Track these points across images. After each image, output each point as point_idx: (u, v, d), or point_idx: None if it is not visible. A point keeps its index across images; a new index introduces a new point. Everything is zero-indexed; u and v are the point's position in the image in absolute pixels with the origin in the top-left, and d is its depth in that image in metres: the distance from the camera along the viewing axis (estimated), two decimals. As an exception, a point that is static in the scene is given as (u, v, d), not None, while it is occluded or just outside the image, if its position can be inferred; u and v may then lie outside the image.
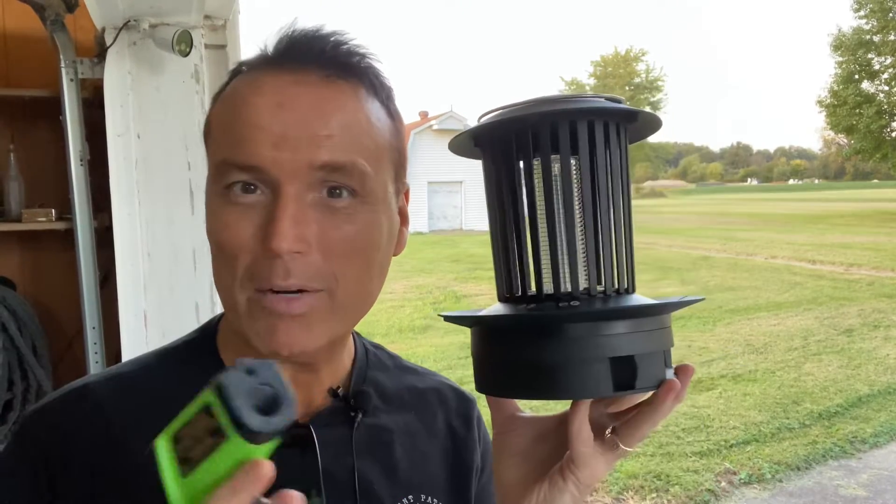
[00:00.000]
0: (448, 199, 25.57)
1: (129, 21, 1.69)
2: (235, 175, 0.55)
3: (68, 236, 2.00)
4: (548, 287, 0.51)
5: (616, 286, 0.51)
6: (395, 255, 0.66)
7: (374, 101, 0.60)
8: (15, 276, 2.25)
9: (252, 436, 0.40)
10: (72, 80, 1.88)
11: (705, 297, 0.55)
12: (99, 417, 0.60)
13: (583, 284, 0.50)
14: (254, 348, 0.58)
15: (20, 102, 2.16)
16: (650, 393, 0.51)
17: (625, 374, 0.48)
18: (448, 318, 0.55)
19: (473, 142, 0.55)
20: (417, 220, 24.67)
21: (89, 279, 1.93)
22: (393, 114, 0.62)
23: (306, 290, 0.55)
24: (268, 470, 0.40)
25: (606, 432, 0.54)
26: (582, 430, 0.51)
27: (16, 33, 2.28)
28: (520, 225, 0.52)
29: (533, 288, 0.52)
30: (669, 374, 0.51)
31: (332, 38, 0.58)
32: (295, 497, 0.42)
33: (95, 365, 1.93)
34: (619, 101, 0.51)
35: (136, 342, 1.75)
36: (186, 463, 0.42)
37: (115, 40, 1.70)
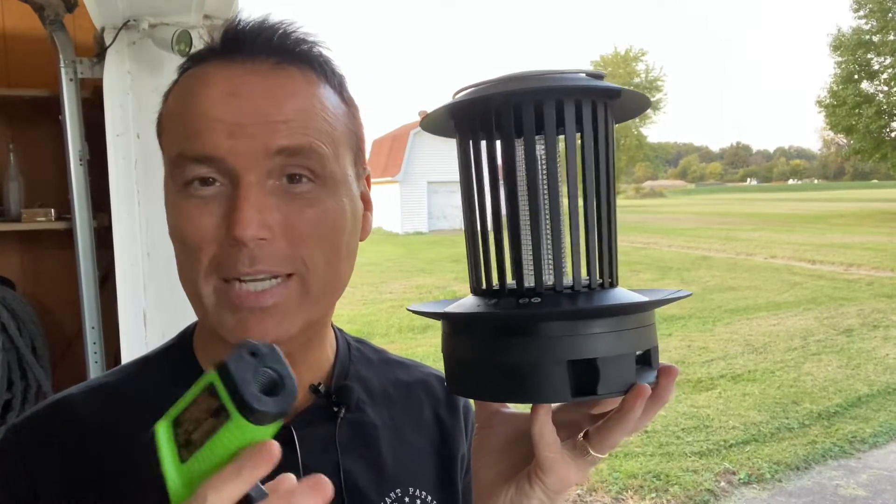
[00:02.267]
0: (448, 199, 25.55)
1: (128, 21, 1.69)
2: (193, 168, 0.55)
3: (68, 236, 2.00)
4: (513, 281, 0.47)
5: (588, 281, 0.47)
6: (360, 240, 0.66)
7: (325, 86, 0.60)
8: (15, 276, 2.25)
9: (254, 415, 0.39)
10: (71, 79, 1.87)
11: (691, 292, 0.51)
12: (78, 429, 0.60)
13: (548, 279, 0.46)
14: (226, 343, 0.58)
15: (20, 102, 2.16)
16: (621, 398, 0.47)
17: (585, 378, 0.44)
18: (414, 311, 0.53)
19: (452, 121, 0.51)
20: (417, 220, 24.66)
21: (89, 279, 1.92)
22: (347, 100, 0.62)
23: (276, 276, 0.55)
24: (275, 451, 0.40)
25: (579, 436, 0.51)
26: (544, 434, 0.48)
27: (15, 33, 2.28)
28: (484, 213, 0.49)
29: (499, 281, 0.49)
30: (649, 376, 0.47)
31: (279, 27, 0.59)
32: (290, 479, 0.41)
33: (95, 365, 1.93)
34: (599, 77, 0.46)
35: (136, 342, 1.75)
36: (187, 447, 0.41)
37: (114, 40, 1.70)
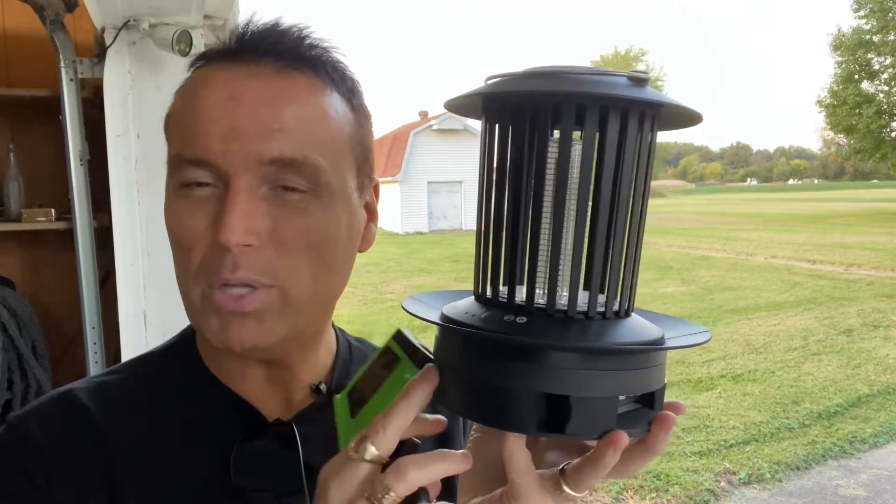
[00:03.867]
0: (448, 199, 25.55)
1: (128, 21, 1.69)
2: (188, 170, 0.55)
3: (68, 236, 2.00)
4: (509, 292, 0.44)
5: (585, 306, 0.42)
6: (360, 251, 0.65)
7: (332, 93, 0.59)
8: (15, 276, 2.25)
9: (418, 357, 0.47)
10: (71, 79, 1.87)
11: (709, 335, 0.46)
12: (85, 422, 0.60)
13: (540, 298, 0.42)
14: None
15: (20, 102, 2.16)
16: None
17: (555, 414, 0.40)
18: (408, 311, 0.49)
19: (481, 105, 0.46)
20: (417, 220, 24.66)
21: (89, 279, 1.93)
22: (355, 107, 0.61)
23: (254, 286, 0.55)
24: (435, 374, 0.44)
25: (556, 470, 0.48)
26: (514, 458, 0.45)
27: (16, 33, 2.28)
28: (489, 213, 0.44)
29: (497, 290, 0.45)
30: (641, 422, 0.43)
31: (288, 31, 0.58)
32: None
33: (95, 365, 1.93)
34: (643, 81, 0.41)
35: (136, 342, 1.75)
36: (360, 404, 0.48)
37: (114, 40, 1.70)
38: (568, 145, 0.41)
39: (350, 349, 0.73)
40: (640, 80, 0.41)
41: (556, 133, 0.42)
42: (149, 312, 1.77)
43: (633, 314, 0.45)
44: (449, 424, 0.72)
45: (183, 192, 0.56)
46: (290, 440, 0.61)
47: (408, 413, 0.43)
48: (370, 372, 0.48)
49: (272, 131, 0.54)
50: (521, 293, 0.44)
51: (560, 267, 0.42)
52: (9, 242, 2.30)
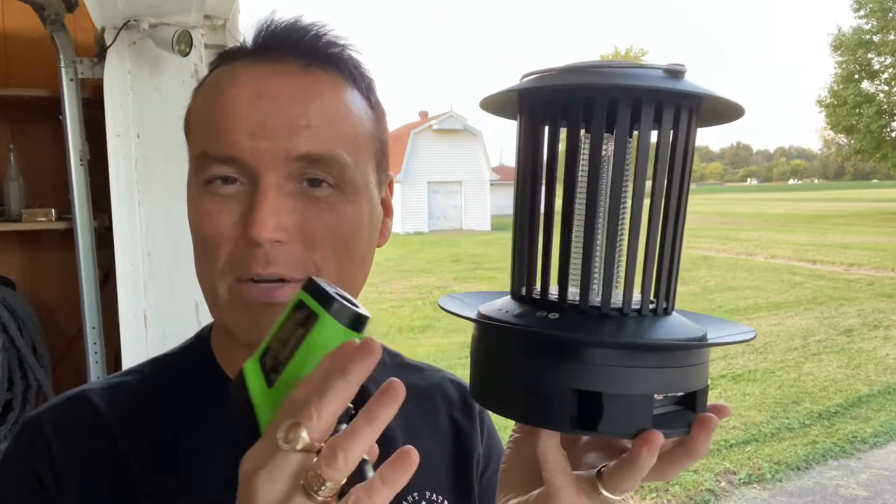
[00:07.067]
0: (448, 199, 25.56)
1: (128, 21, 1.69)
2: (215, 167, 0.55)
3: (68, 236, 2.00)
4: (542, 289, 0.43)
5: (620, 303, 0.41)
6: (378, 246, 0.66)
7: (353, 90, 0.60)
8: (15, 276, 2.25)
9: (339, 308, 0.40)
10: (72, 79, 1.87)
11: (755, 334, 0.44)
12: (100, 423, 0.60)
13: (573, 294, 0.41)
14: (240, 342, 0.58)
15: (20, 102, 2.16)
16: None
17: (588, 411, 0.40)
18: (444, 309, 0.48)
19: (517, 103, 0.45)
20: (417, 220, 24.66)
21: (89, 279, 1.92)
22: (373, 104, 0.62)
23: (287, 280, 0.55)
24: (378, 345, 0.39)
25: (594, 471, 0.47)
26: (548, 458, 0.44)
27: (16, 33, 2.28)
28: (524, 211, 0.43)
29: (535, 288, 0.45)
30: (680, 423, 0.42)
31: (310, 29, 0.59)
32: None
33: (95, 365, 1.93)
34: (680, 74, 0.39)
35: (136, 342, 1.75)
36: (275, 369, 0.41)
37: (114, 40, 1.70)
38: (599, 140, 0.40)
39: None
40: (676, 73, 0.39)
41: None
42: (149, 312, 1.77)
43: (674, 313, 0.44)
44: (464, 431, 0.71)
45: (208, 188, 0.56)
46: None
47: (347, 393, 0.38)
48: (282, 332, 0.41)
49: (300, 128, 0.55)
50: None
51: (594, 264, 0.41)
52: (9, 242, 2.30)
